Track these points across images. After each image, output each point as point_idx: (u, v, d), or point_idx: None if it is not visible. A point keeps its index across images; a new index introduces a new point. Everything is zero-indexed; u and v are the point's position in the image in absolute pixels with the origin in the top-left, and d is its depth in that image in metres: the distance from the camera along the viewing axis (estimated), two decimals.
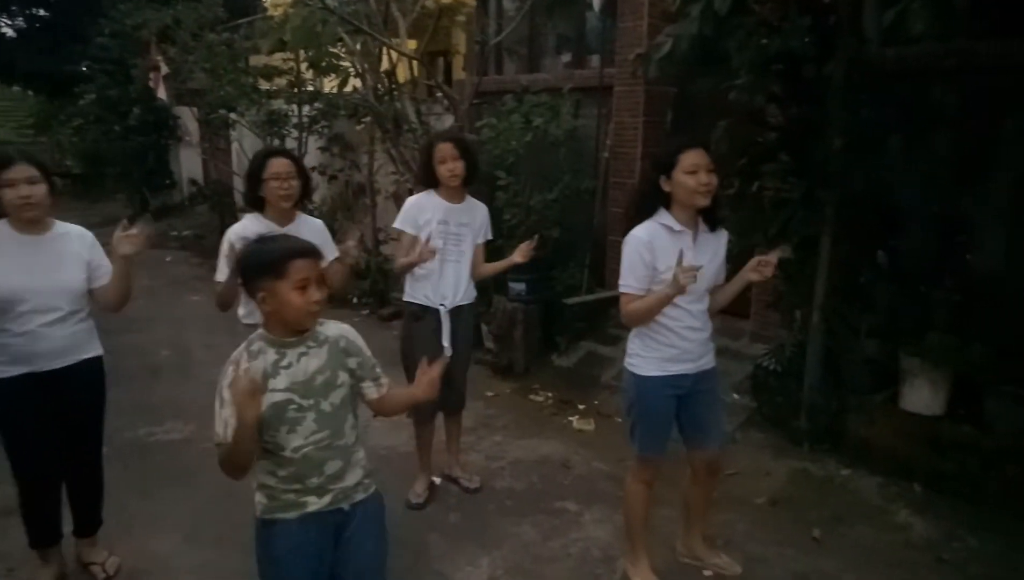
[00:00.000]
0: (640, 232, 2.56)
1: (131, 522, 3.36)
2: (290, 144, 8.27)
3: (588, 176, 5.69)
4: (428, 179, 3.39)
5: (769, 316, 4.72)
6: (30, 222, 2.62)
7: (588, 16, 6.06)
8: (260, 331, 1.90)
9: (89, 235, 2.84)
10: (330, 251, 3.09)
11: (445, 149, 3.31)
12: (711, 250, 2.63)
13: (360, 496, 1.99)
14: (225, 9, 9.51)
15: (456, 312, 3.49)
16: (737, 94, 3.87)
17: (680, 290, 2.40)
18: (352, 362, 1.98)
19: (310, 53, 6.20)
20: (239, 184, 10.13)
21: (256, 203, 3.03)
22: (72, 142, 15.40)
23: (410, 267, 3.32)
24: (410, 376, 3.26)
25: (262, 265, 1.84)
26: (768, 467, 3.87)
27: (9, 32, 16.31)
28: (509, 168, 5.39)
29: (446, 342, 3.43)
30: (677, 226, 2.54)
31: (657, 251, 2.52)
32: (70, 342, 2.72)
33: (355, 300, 7.20)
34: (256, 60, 8.18)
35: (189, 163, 12.85)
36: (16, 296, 2.58)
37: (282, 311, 1.84)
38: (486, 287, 5.80)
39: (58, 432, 2.79)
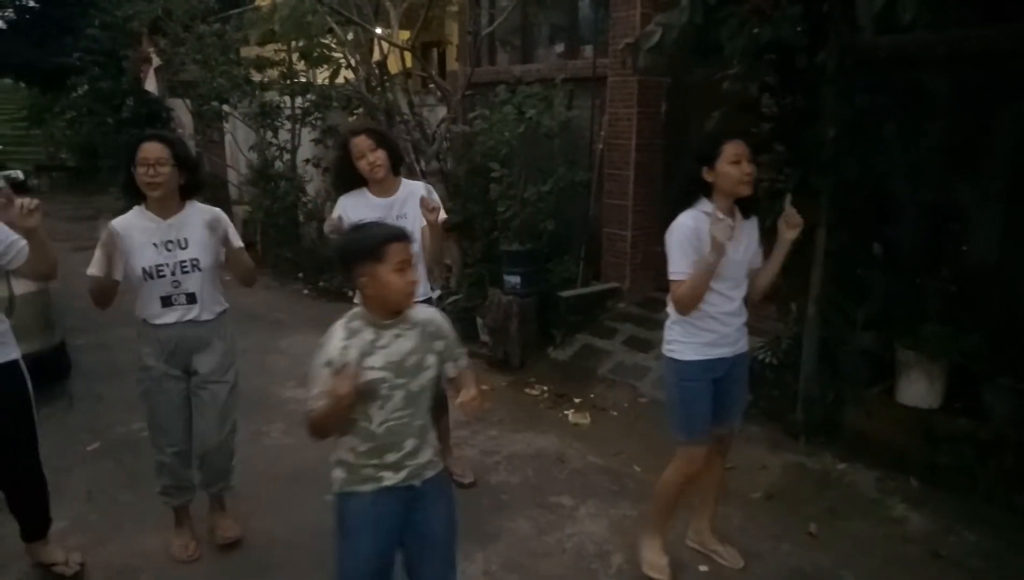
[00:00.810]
0: (686, 219, 2.61)
1: (121, 518, 3.34)
2: (283, 136, 8.23)
3: (583, 168, 5.65)
4: (351, 180, 3.24)
5: (764, 309, 4.68)
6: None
7: (580, 6, 6.00)
8: (359, 310, 1.99)
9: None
10: (235, 240, 2.91)
11: (359, 143, 3.15)
12: (747, 237, 2.71)
13: (430, 474, 2.09)
14: (217, 0, 9.46)
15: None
16: (731, 84, 3.84)
17: (720, 250, 2.47)
18: (439, 345, 2.07)
19: (301, 44, 6.16)
20: (233, 177, 10.13)
21: (134, 194, 2.79)
22: (66, 135, 15.37)
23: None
24: None
25: (362, 250, 1.93)
26: (764, 461, 3.85)
27: (1, 24, 16.19)
28: (502, 160, 5.35)
29: None
30: (719, 215, 2.58)
31: (703, 237, 2.55)
32: None
33: (351, 294, 7.15)
34: (248, 51, 8.12)
35: None
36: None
37: (383, 293, 1.93)
38: (481, 279, 5.79)
39: None
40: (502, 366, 5.26)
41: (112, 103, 12.39)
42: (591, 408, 4.58)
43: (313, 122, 8.12)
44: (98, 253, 2.69)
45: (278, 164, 8.19)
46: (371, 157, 3.13)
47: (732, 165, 2.57)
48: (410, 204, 3.21)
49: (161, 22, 9.43)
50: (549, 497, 3.55)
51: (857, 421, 3.87)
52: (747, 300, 2.77)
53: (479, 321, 5.60)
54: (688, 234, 2.59)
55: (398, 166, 3.30)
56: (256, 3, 3.98)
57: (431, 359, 2.04)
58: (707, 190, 2.64)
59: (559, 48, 6.47)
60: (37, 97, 16.92)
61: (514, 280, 5.36)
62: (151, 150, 2.69)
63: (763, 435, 4.07)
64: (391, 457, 2.01)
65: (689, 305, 2.62)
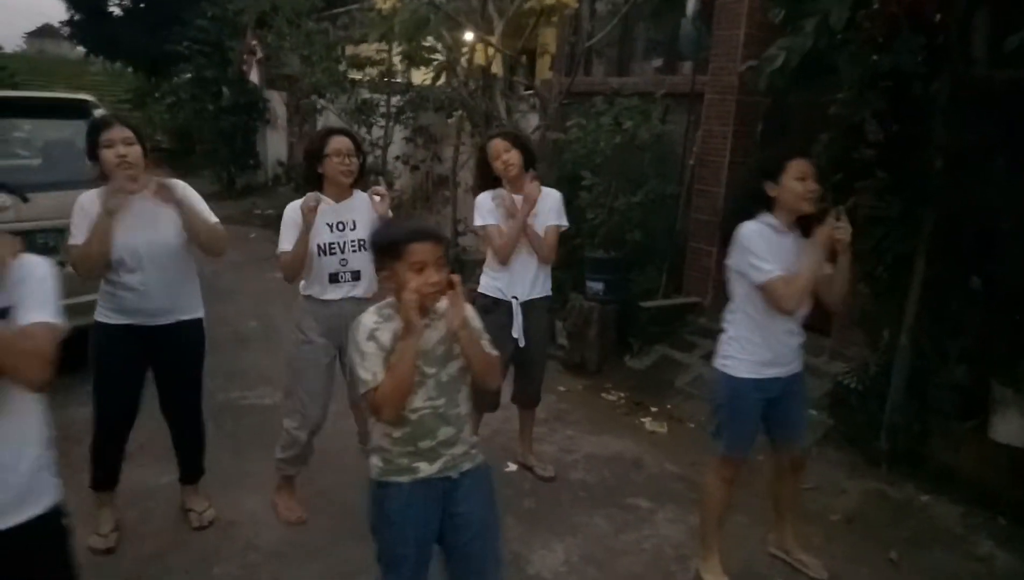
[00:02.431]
0: (750, 225, 2.65)
1: (225, 477, 3.56)
2: (376, 133, 8.53)
3: (673, 181, 5.70)
4: (487, 181, 3.48)
5: (851, 334, 4.66)
6: (133, 182, 2.75)
7: (682, 22, 6.06)
8: (391, 299, 2.03)
9: (185, 185, 2.92)
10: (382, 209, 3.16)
11: (496, 145, 3.40)
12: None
13: (467, 466, 2.11)
14: None
15: (528, 306, 3.54)
16: (838, 108, 3.86)
17: (826, 245, 2.55)
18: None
19: (405, 45, 6.38)
20: None
21: (314, 180, 3.09)
22: (164, 118, 16.14)
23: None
24: None
25: (384, 246, 1.99)
26: (843, 485, 3.83)
27: (116, 11, 17.17)
28: (594, 168, 5.46)
29: (517, 334, 3.50)
30: (781, 228, 2.65)
31: (772, 243, 2.61)
32: (172, 302, 2.93)
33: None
34: (351, 49, 8.44)
35: (275, 145, 13.30)
36: (119, 252, 2.77)
37: (401, 290, 1.94)
38: (562, 284, 5.89)
39: (161, 382, 3.02)
40: (578, 370, 5.36)
41: (212, 91, 13.03)
42: (668, 418, 4.63)
43: (406, 121, 8.41)
44: (287, 233, 3.00)
45: (370, 159, 8.48)
46: (505, 157, 3.36)
47: (797, 181, 2.60)
48: (546, 202, 3.49)
49: (267, 17, 9.89)
50: (627, 498, 3.63)
51: (944, 454, 3.81)
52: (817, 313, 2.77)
53: (558, 324, 5.70)
54: (758, 235, 2.61)
55: (531, 165, 3.49)
56: (375, 4, 4.16)
57: (457, 349, 2.05)
58: (769, 204, 2.67)
59: (656, 62, 6.54)
60: (142, 81, 17.87)
61: (597, 286, 5.45)
62: (343, 143, 3.04)
63: (843, 459, 4.05)
64: (425, 443, 2.03)
65: (800, 299, 2.59)
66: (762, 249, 2.59)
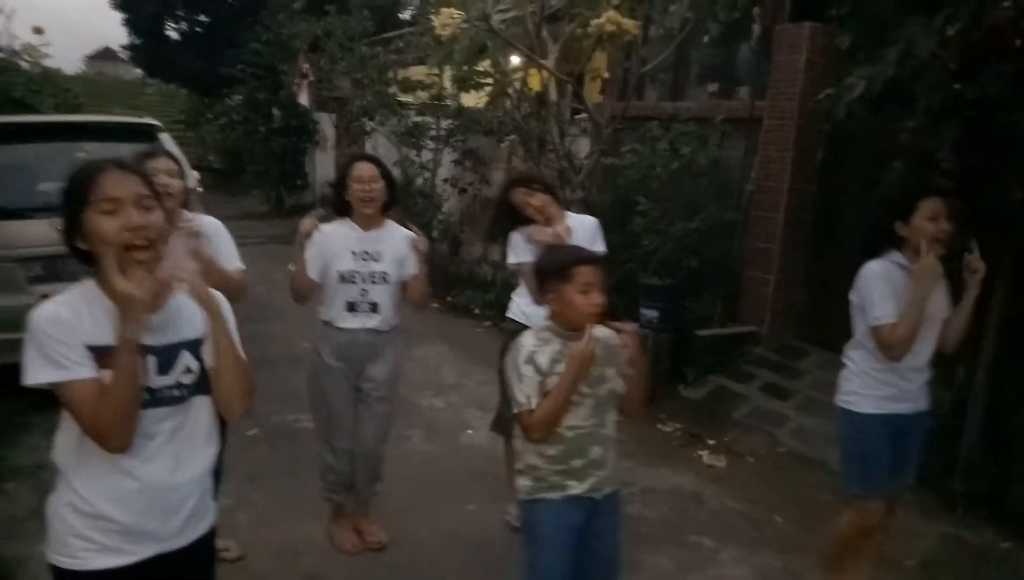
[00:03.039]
0: (875, 265, 2.62)
1: (281, 502, 3.55)
2: (426, 156, 8.58)
3: (730, 208, 5.61)
4: (511, 221, 3.30)
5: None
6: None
7: (740, 47, 5.99)
8: (549, 323, 2.13)
9: (216, 227, 2.92)
10: (412, 266, 3.09)
11: (521, 191, 3.22)
12: (938, 295, 2.65)
13: (609, 489, 2.20)
14: (372, 23, 10.02)
15: None
16: (909, 136, 3.75)
17: (928, 285, 2.47)
18: (619, 361, 2.17)
19: (457, 70, 6.43)
20: None
21: (343, 208, 3.04)
22: (216, 138, 16.57)
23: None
24: (503, 396, 3.24)
25: (552, 269, 2.09)
26: (918, 528, 3.66)
27: (174, 35, 17.71)
28: (649, 194, 5.39)
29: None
30: (911, 266, 2.57)
31: (895, 286, 2.55)
32: None
33: (477, 311, 7.34)
34: (403, 73, 8.54)
35: (323, 166, 13.51)
36: None
37: (566, 311, 2.07)
38: (614, 311, 5.81)
39: None
40: None
41: (263, 112, 13.32)
42: (726, 451, 4.50)
43: (455, 144, 8.45)
44: (297, 251, 2.95)
45: (419, 181, 8.54)
46: (536, 200, 3.18)
47: (929, 221, 2.54)
48: (585, 233, 3.29)
49: (320, 41, 10.07)
50: (689, 536, 3.52)
51: None
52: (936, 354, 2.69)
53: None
54: (881, 277, 2.58)
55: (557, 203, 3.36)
56: (434, 30, 4.20)
57: (611, 372, 2.15)
58: (898, 243, 2.62)
59: (712, 87, 6.47)
60: (195, 102, 18.39)
61: (651, 314, 5.36)
62: (366, 169, 2.97)
63: (915, 501, 3.85)
64: (577, 462, 2.12)
65: (907, 346, 2.54)
66: (881, 291, 2.55)
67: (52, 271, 4.09)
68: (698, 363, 5.34)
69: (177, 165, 2.81)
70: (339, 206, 3.04)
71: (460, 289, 7.64)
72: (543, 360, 2.06)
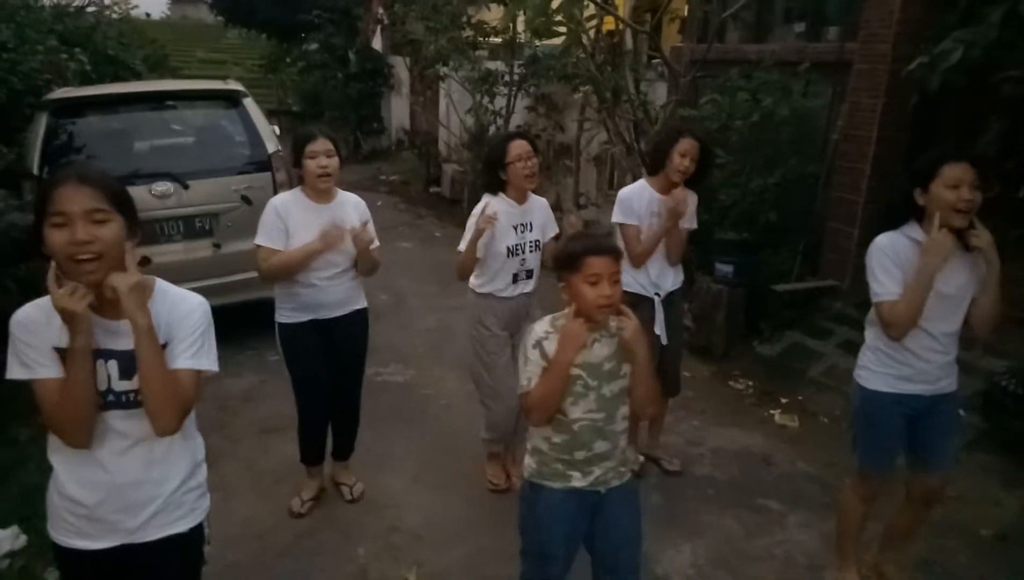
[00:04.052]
0: (882, 239, 2.48)
1: (366, 456, 3.76)
2: (499, 102, 8.53)
3: (812, 158, 5.39)
4: (655, 166, 3.39)
5: (1010, 329, 4.29)
6: (323, 192, 3.01)
7: None
8: (566, 312, 2.10)
9: (362, 204, 3.20)
10: (553, 227, 3.38)
11: (688, 146, 3.26)
12: (964, 273, 2.46)
13: (616, 482, 2.19)
14: None
15: (668, 300, 3.53)
16: (1013, 88, 3.50)
17: (932, 265, 2.32)
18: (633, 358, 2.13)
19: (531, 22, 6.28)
20: (444, 135, 10.67)
21: (497, 185, 3.20)
22: (294, 82, 16.85)
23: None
24: None
25: (565, 258, 2.06)
26: (997, 496, 3.58)
27: None
28: (728, 147, 5.23)
29: (659, 331, 3.47)
30: (925, 241, 2.39)
31: (902, 263, 2.41)
32: (345, 295, 3.15)
33: (548, 263, 7.38)
34: (477, 16, 8.42)
35: (399, 111, 13.61)
36: None
37: (576, 301, 2.04)
38: (689, 267, 5.74)
39: (331, 370, 3.21)
40: (703, 354, 5.24)
41: (338, 56, 13.43)
42: (799, 410, 4.47)
43: (527, 89, 8.35)
44: (471, 234, 3.10)
45: (492, 128, 8.51)
46: (689, 163, 3.27)
47: (948, 189, 2.32)
48: (691, 205, 3.43)
49: None
50: (757, 499, 3.56)
51: None
52: (965, 336, 2.53)
53: (684, 305, 5.59)
54: (888, 252, 2.42)
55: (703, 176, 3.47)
56: None
57: (625, 369, 2.12)
58: (918, 214, 2.42)
59: (799, 27, 6.13)
60: (274, 47, 18.64)
61: (726, 269, 5.28)
62: (523, 147, 3.15)
63: (998, 467, 3.78)
64: (580, 454, 2.12)
65: (907, 325, 2.43)
66: (884, 266, 2.42)
67: (148, 234, 4.37)
68: (774, 319, 5.25)
69: (334, 145, 3.02)
70: (494, 183, 3.20)
71: None
72: (551, 347, 2.05)
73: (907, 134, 5.17)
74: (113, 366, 1.65)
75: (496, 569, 2.91)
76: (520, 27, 7.66)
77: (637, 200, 3.37)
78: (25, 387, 1.67)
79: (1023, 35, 2.76)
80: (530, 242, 3.25)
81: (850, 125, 5.26)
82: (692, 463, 3.87)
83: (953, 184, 2.32)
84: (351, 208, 3.13)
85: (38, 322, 1.63)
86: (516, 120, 8.52)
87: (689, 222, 3.48)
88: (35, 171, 4.37)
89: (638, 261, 3.38)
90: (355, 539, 3.17)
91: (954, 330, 2.52)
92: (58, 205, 1.54)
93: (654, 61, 6.56)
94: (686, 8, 6.53)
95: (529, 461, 2.23)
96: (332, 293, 3.10)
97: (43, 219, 1.56)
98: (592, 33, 5.74)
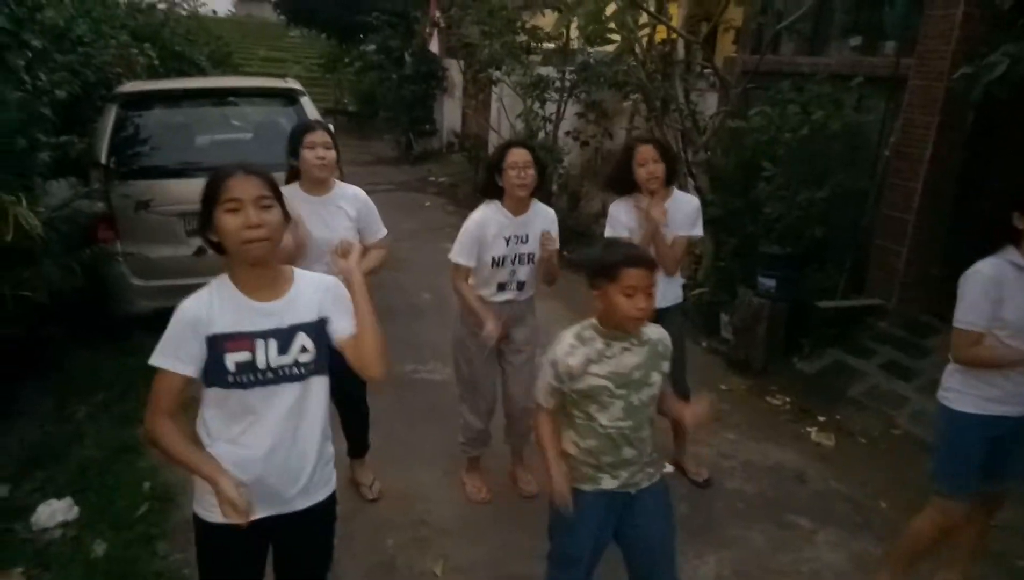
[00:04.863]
0: (985, 267, 2.47)
1: (398, 449, 3.86)
2: (549, 108, 8.59)
3: (864, 175, 5.31)
4: (628, 188, 3.36)
5: None
6: (320, 183, 3.03)
7: None
8: (593, 321, 2.15)
9: (361, 196, 3.17)
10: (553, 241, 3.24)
11: (643, 154, 3.26)
12: None
13: (646, 483, 2.24)
14: None
15: (664, 314, 3.43)
16: None
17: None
18: (665, 366, 2.20)
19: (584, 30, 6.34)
20: (494, 139, 10.78)
21: (494, 191, 3.16)
22: (351, 81, 17.21)
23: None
24: None
25: (601, 267, 2.08)
26: None
27: None
28: (776, 159, 5.20)
29: None
30: None
31: (1004, 289, 2.42)
32: None
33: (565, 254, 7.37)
34: (532, 21, 8.51)
35: (451, 113, 13.77)
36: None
37: (609, 311, 2.06)
38: (731, 276, 5.71)
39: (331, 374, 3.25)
40: (742, 368, 5.21)
41: (394, 58, 13.69)
42: (836, 429, 4.41)
43: (578, 96, 8.39)
44: (466, 245, 3.13)
45: (541, 134, 8.58)
46: (652, 168, 3.24)
47: None
48: (680, 212, 3.38)
49: None
50: (786, 515, 3.54)
51: None
52: None
53: (723, 318, 5.57)
54: (985, 284, 2.44)
55: (672, 179, 3.41)
56: None
57: (656, 377, 2.17)
58: (1015, 238, 2.44)
59: (854, 41, 6.04)
60: (334, 47, 19.09)
61: (769, 283, 5.23)
62: (521, 155, 3.08)
63: None
64: (607, 459, 2.17)
65: (969, 365, 2.51)
66: (975, 295, 2.44)
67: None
68: (816, 335, 5.19)
69: (332, 137, 3.06)
70: (491, 189, 3.18)
71: (577, 244, 7.71)
72: (575, 361, 2.09)
73: (961, 153, 5.07)
74: (273, 344, 1.79)
75: (521, 566, 2.97)
76: (573, 33, 7.71)
77: (625, 213, 3.36)
78: (86, 366, 1.81)
79: None
80: (522, 255, 3.19)
81: (903, 142, 5.17)
82: (723, 476, 3.86)
83: None
84: (346, 201, 3.11)
85: (198, 317, 1.76)
86: (565, 126, 8.57)
87: (690, 228, 3.44)
88: (103, 160, 4.60)
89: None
90: (385, 531, 3.26)
91: None
92: (231, 193, 1.71)
93: (706, 71, 6.54)
94: (741, 18, 6.49)
95: (560, 464, 2.26)
96: None
97: (213, 208, 1.73)
98: (644, 42, 5.76)
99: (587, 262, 2.18)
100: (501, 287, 3.23)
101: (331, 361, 3.18)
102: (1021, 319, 2.42)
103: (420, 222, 8.94)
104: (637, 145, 3.34)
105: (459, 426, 3.51)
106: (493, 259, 3.16)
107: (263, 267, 1.79)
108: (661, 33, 6.27)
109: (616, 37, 6.14)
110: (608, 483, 2.19)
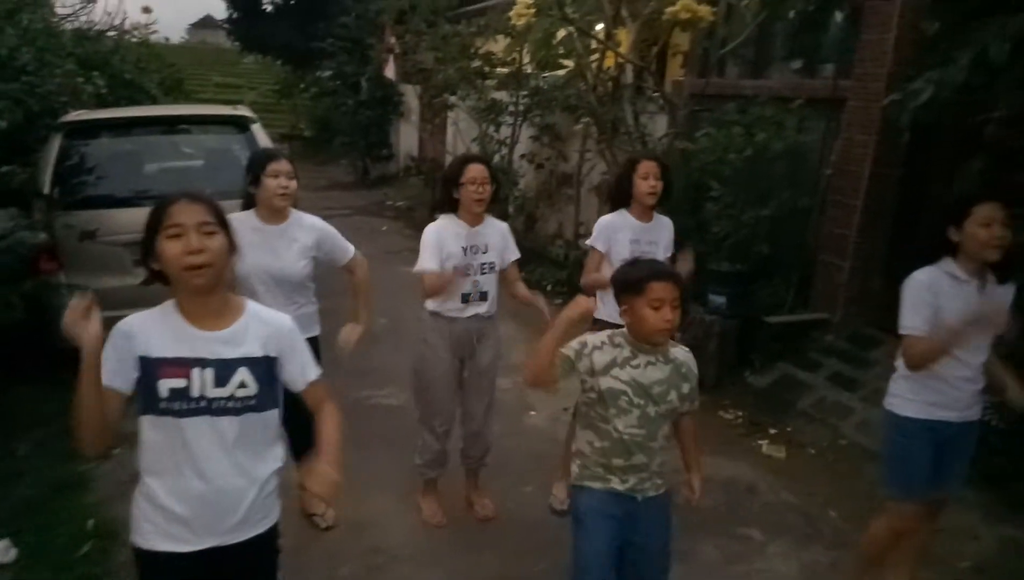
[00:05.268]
0: (921, 275, 2.60)
1: (352, 476, 3.76)
2: (504, 131, 8.69)
3: (805, 191, 5.48)
4: (623, 200, 3.48)
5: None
6: (278, 212, 3.03)
7: (828, 23, 5.77)
8: (625, 330, 2.22)
9: (318, 224, 3.17)
10: (513, 252, 3.38)
11: (647, 167, 3.39)
12: (997, 303, 2.59)
13: (652, 493, 2.32)
14: None
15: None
16: (994, 129, 3.59)
17: (961, 341, 2.46)
18: (686, 387, 2.27)
19: (534, 56, 6.46)
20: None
21: (450, 205, 3.23)
22: (307, 106, 17.17)
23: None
24: None
25: (628, 282, 2.17)
26: (977, 530, 3.61)
27: (269, 8, 18.35)
28: (723, 179, 5.34)
29: None
30: (962, 276, 2.55)
31: (940, 297, 2.54)
32: (302, 325, 3.12)
33: (549, 288, 7.46)
34: (486, 47, 8.62)
35: (407, 138, 13.82)
36: (247, 277, 2.96)
37: (637, 325, 2.14)
38: (683, 299, 5.81)
39: (286, 401, 3.21)
40: None
41: (350, 84, 13.71)
42: (787, 442, 4.51)
43: (533, 119, 8.51)
44: (429, 252, 3.16)
45: (496, 157, 8.66)
46: (654, 183, 3.36)
47: (981, 228, 2.48)
48: (665, 234, 3.55)
49: (406, 16, 10.27)
50: (738, 527, 3.59)
51: None
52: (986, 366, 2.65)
53: (676, 335, 5.65)
54: (921, 289, 2.56)
55: (666, 198, 3.52)
56: (512, 22, 4.28)
57: (674, 395, 2.25)
58: (952, 250, 2.57)
59: (795, 64, 6.26)
60: (288, 73, 19.05)
61: (719, 300, 5.35)
62: (479, 171, 3.15)
63: (978, 502, 3.79)
64: (618, 462, 2.25)
65: (920, 367, 2.59)
66: (915, 301, 2.55)
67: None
68: (765, 350, 5.31)
69: (293, 167, 3.07)
70: (448, 203, 3.24)
71: (534, 266, 7.78)
72: (600, 359, 2.17)
73: (899, 170, 5.27)
74: (210, 374, 1.77)
75: None
76: (526, 58, 7.84)
77: (613, 227, 3.45)
78: (27, 401, 1.77)
79: (990, 79, 2.86)
80: (483, 264, 3.25)
81: (843, 161, 5.35)
82: (677, 490, 3.89)
83: (985, 222, 2.48)
84: (303, 231, 3.12)
85: (132, 334, 1.75)
86: (520, 149, 8.67)
87: (670, 249, 3.55)
88: (45, 190, 4.52)
89: (587, 287, 3.43)
90: (338, 560, 3.22)
91: (983, 359, 2.64)
92: (173, 218, 1.71)
93: (654, 94, 6.70)
94: (688, 43, 6.67)
95: (573, 466, 2.35)
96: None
97: (155, 234, 1.72)
98: (594, 66, 5.89)
99: (614, 279, 2.27)
100: (465, 299, 3.25)
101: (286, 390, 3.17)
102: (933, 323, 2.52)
103: (377, 247, 8.90)
104: (641, 160, 3.48)
105: (417, 448, 3.50)
106: (454, 268, 3.20)
107: (207, 295, 1.77)
108: (610, 60, 6.41)
109: (568, 62, 6.28)
110: (617, 485, 2.26)
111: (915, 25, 4.85)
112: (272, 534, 1.96)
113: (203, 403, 1.76)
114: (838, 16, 5.38)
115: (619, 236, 3.44)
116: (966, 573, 3.31)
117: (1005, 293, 2.62)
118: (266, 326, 1.86)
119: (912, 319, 2.56)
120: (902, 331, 2.60)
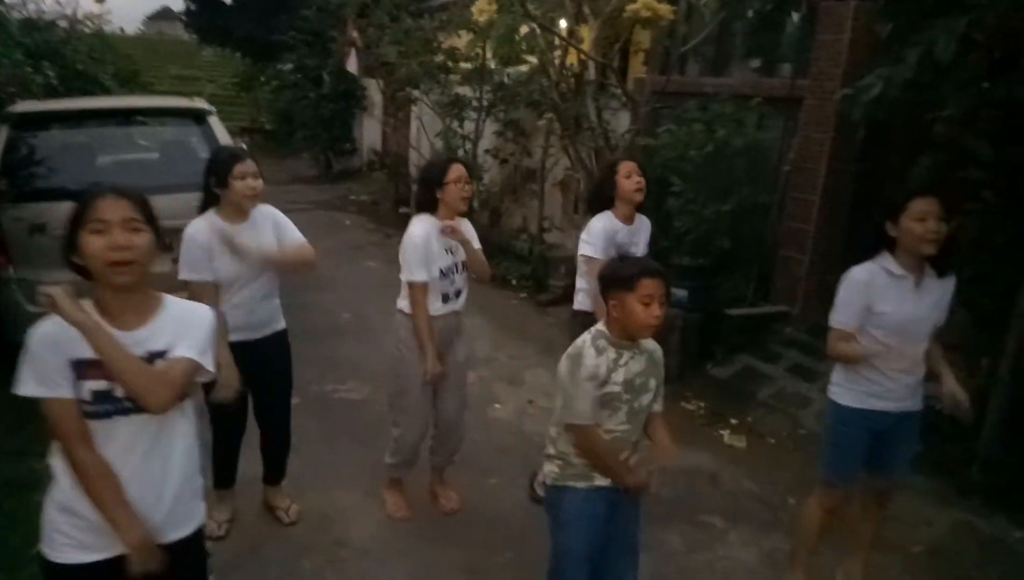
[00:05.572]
0: (859, 273, 2.65)
1: (316, 470, 3.79)
2: (468, 126, 8.67)
3: (765, 188, 5.58)
4: (605, 202, 3.49)
5: (949, 356, 4.48)
6: (243, 212, 2.99)
7: (786, 23, 5.88)
8: (602, 330, 2.22)
9: (275, 214, 3.13)
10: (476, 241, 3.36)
11: (628, 167, 3.45)
12: (935, 296, 2.65)
13: None
14: None
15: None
16: (943, 128, 3.70)
17: (858, 360, 2.61)
18: (660, 373, 2.32)
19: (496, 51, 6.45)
20: (414, 157, 10.79)
21: (431, 205, 3.23)
22: (268, 99, 16.91)
23: None
24: None
25: (618, 278, 2.18)
26: (929, 515, 3.72)
27: (228, 1, 17.99)
28: (684, 175, 5.41)
29: None
30: (898, 271, 2.60)
31: (875, 293, 2.59)
32: (268, 315, 3.16)
33: (514, 282, 7.48)
34: (448, 42, 8.58)
35: (371, 132, 13.70)
36: (229, 278, 2.98)
37: (626, 320, 2.15)
38: None
39: (257, 394, 3.20)
40: None
41: (312, 77, 13.54)
42: (748, 432, 4.59)
43: (497, 115, 8.50)
44: (418, 260, 3.15)
45: (461, 152, 8.64)
46: (638, 179, 3.42)
47: (916, 222, 2.50)
48: (643, 234, 3.63)
49: (368, 9, 10.15)
50: (700, 516, 3.65)
51: None
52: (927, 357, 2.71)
53: None
54: (857, 287, 2.63)
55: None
56: (474, 18, 4.27)
57: (653, 383, 2.29)
58: (890, 245, 2.62)
59: (754, 63, 6.37)
60: (249, 66, 18.73)
61: (681, 294, 5.40)
62: (463, 171, 3.19)
63: (930, 488, 3.91)
64: None
65: (837, 361, 2.72)
66: (847, 297, 2.62)
67: None
68: (727, 342, 5.40)
69: (257, 164, 3.02)
70: (429, 203, 3.23)
71: (499, 260, 7.79)
72: (603, 371, 2.18)
73: (855, 166, 5.40)
74: None
75: None
76: (489, 53, 7.83)
77: (605, 224, 3.45)
78: None
79: (936, 77, 2.94)
80: (457, 264, 3.28)
81: (801, 157, 5.47)
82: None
83: (920, 217, 2.50)
84: (267, 224, 3.08)
85: (58, 339, 1.66)
86: (484, 144, 8.67)
87: (642, 253, 3.56)
88: None
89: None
90: (301, 554, 3.19)
91: (922, 351, 2.69)
92: (98, 213, 1.66)
93: (617, 91, 6.75)
94: (649, 41, 6.74)
95: (550, 467, 2.34)
96: (257, 314, 3.09)
97: (78, 229, 1.66)
98: (557, 63, 5.91)
99: (603, 275, 2.29)
100: (444, 298, 3.27)
101: (256, 382, 3.13)
102: (893, 320, 2.59)
103: (341, 241, 8.82)
104: (620, 161, 3.56)
105: (390, 448, 3.46)
106: (441, 270, 3.20)
107: (128, 292, 1.71)
108: (573, 56, 6.45)
109: (531, 58, 6.29)
110: (601, 480, 2.28)
111: (869, 27, 4.99)
112: (197, 536, 1.90)
113: (127, 404, 1.70)
114: (795, 17, 5.48)
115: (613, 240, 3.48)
116: (920, 557, 3.41)
117: (943, 286, 2.66)
118: (179, 320, 1.80)
119: (841, 314, 2.65)
120: (831, 324, 2.68)
